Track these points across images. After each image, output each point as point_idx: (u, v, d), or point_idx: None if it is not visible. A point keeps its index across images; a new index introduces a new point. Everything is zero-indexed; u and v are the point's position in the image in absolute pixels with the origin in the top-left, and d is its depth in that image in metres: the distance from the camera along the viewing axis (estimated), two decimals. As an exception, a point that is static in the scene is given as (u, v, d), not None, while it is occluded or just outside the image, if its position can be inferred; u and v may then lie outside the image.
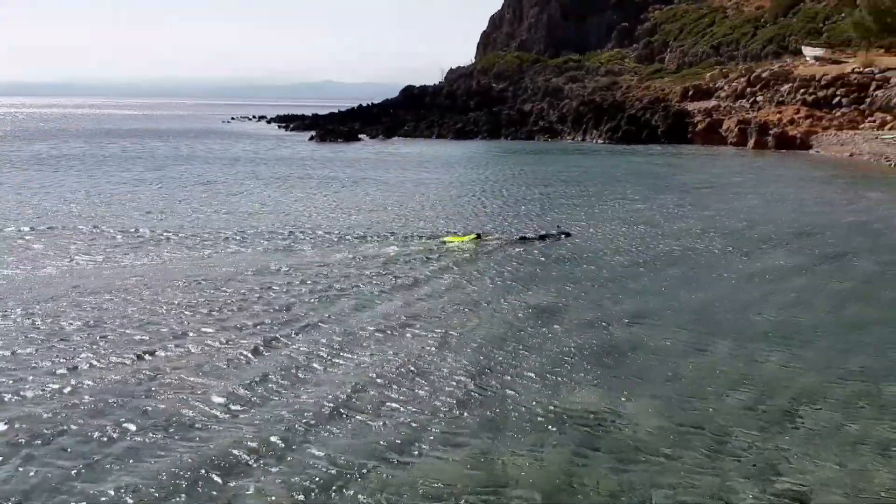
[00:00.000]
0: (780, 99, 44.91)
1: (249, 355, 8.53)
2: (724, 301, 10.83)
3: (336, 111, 69.90)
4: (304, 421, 6.85)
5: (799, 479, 5.86)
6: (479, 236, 15.18)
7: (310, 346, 8.86)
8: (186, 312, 10.12)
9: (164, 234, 16.03)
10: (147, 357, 8.44)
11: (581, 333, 9.32)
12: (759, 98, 46.70)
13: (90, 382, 7.71)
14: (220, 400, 7.29)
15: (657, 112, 48.03)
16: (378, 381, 7.81)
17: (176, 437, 6.53)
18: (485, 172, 30.44)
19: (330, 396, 7.37)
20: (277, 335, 9.20)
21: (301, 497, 5.64)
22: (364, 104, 70.05)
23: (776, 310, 10.40)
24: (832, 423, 6.83)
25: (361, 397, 7.39)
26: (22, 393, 7.39)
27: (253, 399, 7.35)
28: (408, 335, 9.29)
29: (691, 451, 6.28)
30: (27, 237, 15.52)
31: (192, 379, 7.81)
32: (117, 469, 6.00)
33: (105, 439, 6.49)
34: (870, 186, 24.69)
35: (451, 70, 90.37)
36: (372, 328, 9.51)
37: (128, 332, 9.32)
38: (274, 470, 5.99)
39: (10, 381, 7.67)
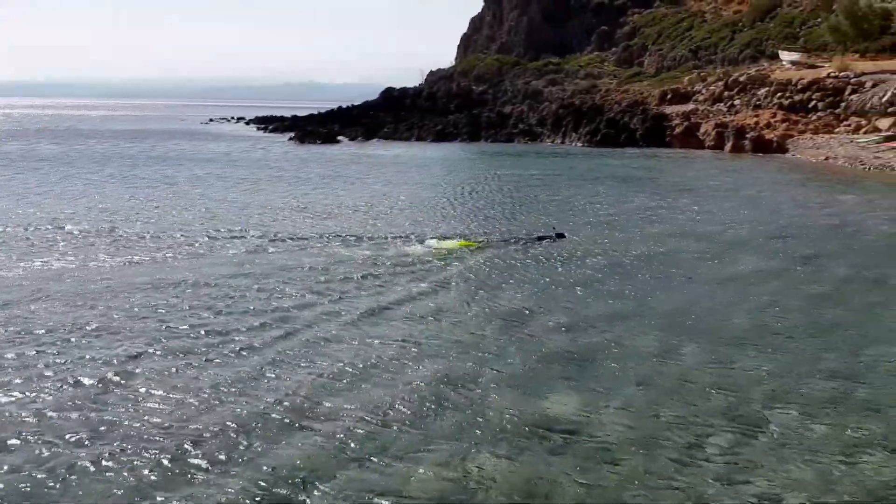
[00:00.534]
0: (757, 103, 45.19)
1: (215, 360, 8.32)
2: (697, 304, 10.79)
3: (317, 112, 69.41)
4: (270, 426, 6.68)
5: (768, 482, 5.81)
6: (474, 242, 14.99)
7: (276, 350, 8.66)
8: (144, 318, 9.85)
9: (125, 235, 15.71)
10: (104, 366, 8.19)
11: (553, 338, 9.23)
12: (737, 102, 46.98)
13: (48, 394, 7.47)
14: (176, 409, 7.09)
15: (636, 115, 48.15)
16: (345, 385, 7.65)
17: (126, 448, 6.32)
18: (461, 175, 30.36)
19: (296, 402, 7.22)
20: (243, 339, 8.98)
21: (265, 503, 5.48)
22: (344, 105, 69.66)
23: (749, 313, 10.37)
24: (802, 426, 6.79)
25: (329, 402, 7.22)
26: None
27: (211, 404, 7.15)
28: (375, 341, 9.11)
29: (662, 455, 6.22)
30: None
31: (143, 388, 7.59)
32: (73, 482, 5.80)
33: (60, 451, 6.27)
34: (844, 190, 24.86)
35: (432, 72, 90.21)
36: (339, 332, 9.34)
37: (87, 338, 9.05)
38: (237, 475, 5.82)
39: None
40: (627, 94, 58.75)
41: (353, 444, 6.37)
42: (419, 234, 15.96)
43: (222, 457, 6.14)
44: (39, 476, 5.82)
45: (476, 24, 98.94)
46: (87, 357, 8.32)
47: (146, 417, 6.85)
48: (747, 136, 40.59)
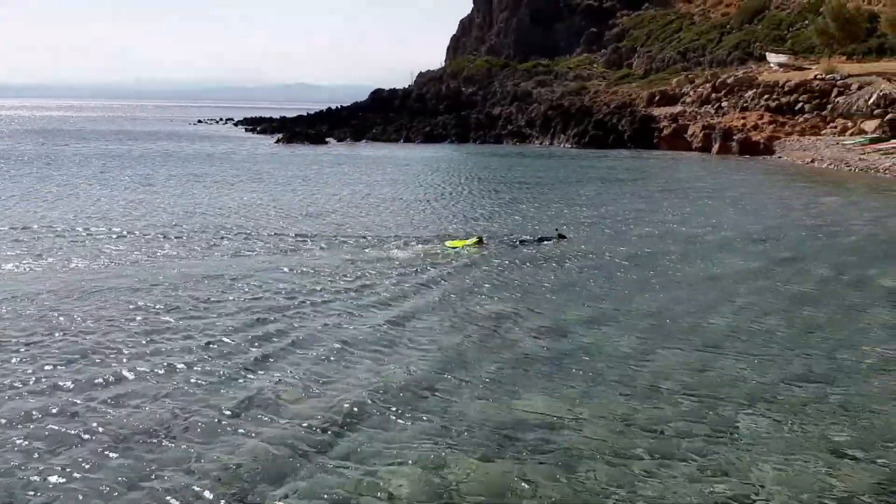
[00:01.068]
0: (745, 105, 45.32)
1: (185, 359, 8.24)
2: (678, 306, 10.77)
3: (306, 114, 69.19)
4: (238, 425, 6.61)
5: (744, 482, 5.81)
6: (480, 240, 14.93)
7: (249, 351, 8.58)
8: (117, 321, 9.75)
9: (99, 233, 15.57)
10: (73, 372, 8.09)
11: (534, 339, 9.20)
12: (724, 104, 47.10)
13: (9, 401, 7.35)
14: (147, 418, 7.02)
15: (624, 117, 48.24)
16: (321, 386, 7.58)
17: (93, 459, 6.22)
18: (445, 176, 30.26)
19: (267, 401, 7.15)
20: (222, 340, 8.90)
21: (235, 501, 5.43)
22: (334, 107, 69.47)
23: (730, 313, 10.37)
24: (779, 426, 6.78)
25: (301, 403, 7.16)
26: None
27: (184, 401, 7.08)
28: (352, 341, 9.05)
29: (640, 456, 6.20)
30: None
31: (117, 391, 7.52)
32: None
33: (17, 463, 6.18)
34: (829, 191, 24.95)
35: (421, 73, 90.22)
36: (318, 332, 9.28)
37: (58, 343, 8.95)
38: (210, 476, 5.74)
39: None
40: (616, 95, 58.86)
41: (323, 446, 6.31)
42: (405, 236, 15.94)
43: (190, 452, 6.06)
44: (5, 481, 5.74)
45: (465, 25, 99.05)
46: (58, 361, 8.23)
47: (117, 422, 6.77)
48: (734, 137, 40.72)
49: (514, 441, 6.46)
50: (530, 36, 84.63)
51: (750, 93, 45.76)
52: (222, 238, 15.55)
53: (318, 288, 11.41)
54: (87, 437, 6.44)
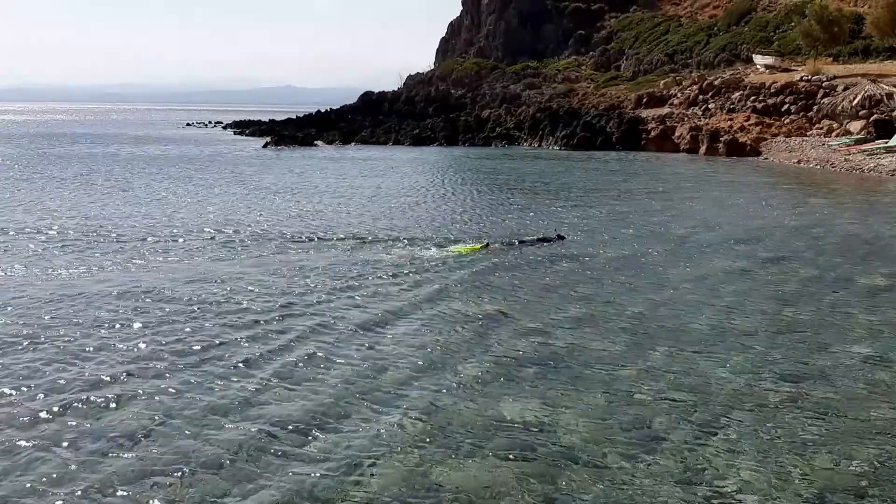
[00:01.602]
0: (732, 106, 45.58)
1: (170, 368, 8.20)
2: (663, 307, 10.81)
3: (294, 117, 69.04)
4: (221, 421, 6.57)
5: (726, 482, 5.83)
6: (486, 245, 14.92)
7: (234, 353, 8.53)
8: (96, 326, 9.70)
9: (79, 237, 15.51)
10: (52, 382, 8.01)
11: (519, 341, 9.20)
12: (711, 105, 47.36)
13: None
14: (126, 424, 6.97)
15: (612, 119, 48.38)
16: (304, 388, 7.54)
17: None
18: (430, 178, 30.22)
19: (246, 401, 7.12)
20: (209, 341, 8.84)
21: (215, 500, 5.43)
22: (323, 110, 69.39)
23: (715, 314, 10.40)
24: (761, 426, 6.80)
25: (284, 405, 7.11)
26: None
27: (170, 408, 7.03)
28: (336, 343, 9.04)
29: (623, 457, 6.21)
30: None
31: (97, 404, 7.44)
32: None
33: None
34: (814, 192, 25.12)
35: (410, 76, 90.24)
36: (306, 333, 9.22)
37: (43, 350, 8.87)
38: (193, 476, 5.72)
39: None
40: (604, 97, 59.09)
41: (305, 445, 6.29)
42: (394, 238, 15.92)
43: (171, 453, 6.01)
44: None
45: (454, 27, 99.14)
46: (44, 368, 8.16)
47: (97, 425, 6.73)
48: (721, 139, 40.91)
49: (496, 441, 6.45)
50: (519, 38, 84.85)
51: (737, 94, 46.03)
52: (209, 240, 15.48)
53: (305, 289, 11.38)
54: (68, 440, 6.40)
